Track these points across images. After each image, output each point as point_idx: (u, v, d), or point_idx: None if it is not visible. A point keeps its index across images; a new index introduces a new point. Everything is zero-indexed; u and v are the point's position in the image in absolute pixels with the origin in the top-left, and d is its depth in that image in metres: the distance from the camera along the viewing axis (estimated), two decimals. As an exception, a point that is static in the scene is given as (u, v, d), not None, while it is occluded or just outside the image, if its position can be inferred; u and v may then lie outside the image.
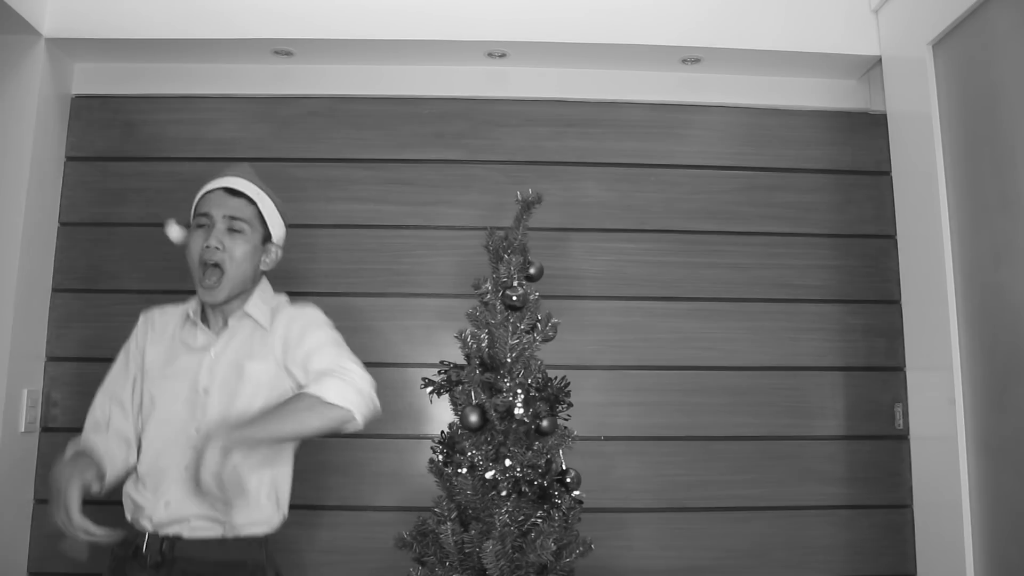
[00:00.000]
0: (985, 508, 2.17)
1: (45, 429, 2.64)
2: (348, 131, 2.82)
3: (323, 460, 2.64)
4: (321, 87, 2.83)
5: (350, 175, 2.79)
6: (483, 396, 1.95)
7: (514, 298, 1.99)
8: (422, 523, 2.01)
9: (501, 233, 2.12)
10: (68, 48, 2.70)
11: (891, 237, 2.72)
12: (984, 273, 2.20)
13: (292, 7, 2.62)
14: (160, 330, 1.96)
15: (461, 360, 2.09)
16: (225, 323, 1.91)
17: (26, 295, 2.57)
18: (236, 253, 1.85)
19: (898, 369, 2.67)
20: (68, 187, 2.75)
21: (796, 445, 2.69)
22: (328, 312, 2.71)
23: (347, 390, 1.77)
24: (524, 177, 2.75)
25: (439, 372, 2.11)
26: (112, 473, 1.84)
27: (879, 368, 2.72)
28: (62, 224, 2.74)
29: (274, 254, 1.97)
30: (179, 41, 2.64)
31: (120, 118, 2.80)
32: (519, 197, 2.13)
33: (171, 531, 1.80)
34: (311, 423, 1.72)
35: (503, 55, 2.74)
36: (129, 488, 1.89)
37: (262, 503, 1.85)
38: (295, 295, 2.72)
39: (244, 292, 1.91)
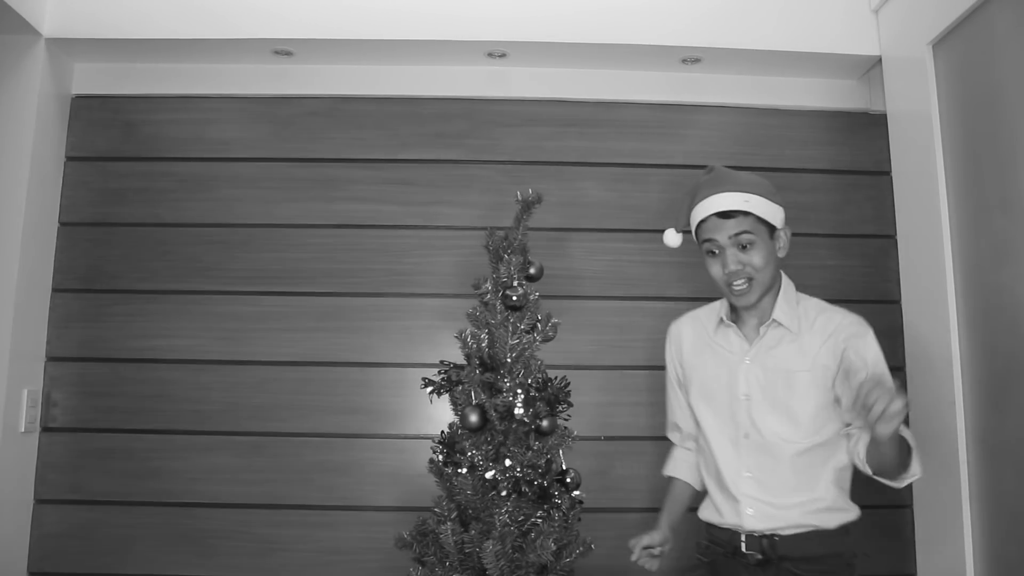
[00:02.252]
0: (985, 508, 2.17)
1: (45, 429, 2.64)
2: (348, 131, 2.82)
3: (323, 460, 2.65)
4: (321, 87, 2.83)
5: (350, 175, 2.80)
6: (483, 396, 1.95)
7: (514, 298, 1.99)
8: (422, 523, 2.01)
9: (501, 233, 2.12)
10: (68, 48, 2.70)
11: (891, 237, 2.72)
12: (984, 273, 2.19)
13: (292, 7, 2.62)
14: (691, 339, 2.14)
15: (461, 360, 2.09)
16: (757, 329, 2.02)
17: (26, 295, 2.57)
18: (756, 262, 1.93)
19: (898, 369, 2.66)
20: (68, 187, 2.75)
21: (796, 445, 2.69)
22: (328, 312, 2.73)
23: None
24: (524, 177, 2.75)
25: (439, 372, 2.10)
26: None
27: (879, 368, 2.72)
28: (62, 224, 2.74)
29: (784, 237, 2.02)
30: (179, 41, 2.64)
31: (120, 118, 2.80)
32: (519, 197, 2.13)
33: (766, 530, 1.92)
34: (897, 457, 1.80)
35: (503, 55, 2.75)
36: (710, 490, 2.07)
37: (844, 492, 1.98)
38: (295, 295, 2.74)
39: (771, 289, 2.00)
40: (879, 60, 2.68)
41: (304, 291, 2.73)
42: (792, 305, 2.01)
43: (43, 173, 2.65)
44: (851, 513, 1.98)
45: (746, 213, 1.92)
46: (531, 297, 2.02)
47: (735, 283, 1.92)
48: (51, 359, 2.68)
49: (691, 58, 2.73)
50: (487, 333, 2.02)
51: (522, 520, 1.86)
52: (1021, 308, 2.04)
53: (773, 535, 1.90)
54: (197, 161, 2.78)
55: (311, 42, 2.65)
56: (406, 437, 2.68)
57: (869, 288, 2.76)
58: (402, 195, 2.78)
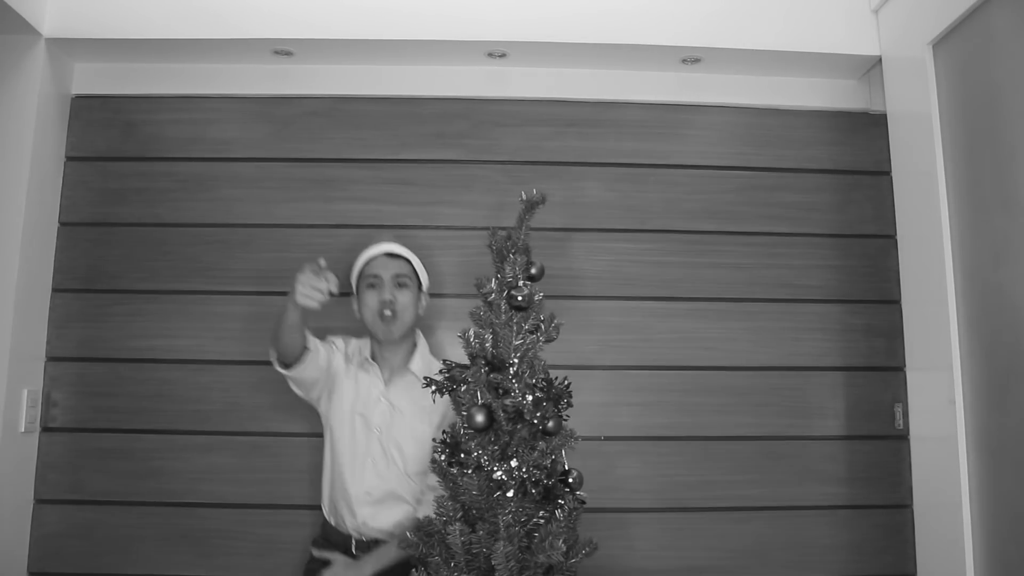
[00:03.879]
0: (985, 508, 2.17)
1: (45, 429, 2.64)
2: (348, 131, 2.82)
3: (323, 460, 2.64)
4: (321, 87, 2.82)
5: (350, 175, 2.79)
6: (488, 396, 1.94)
7: (520, 298, 1.98)
8: (426, 523, 2.01)
9: (504, 233, 2.12)
10: (68, 48, 2.69)
11: (891, 237, 2.73)
12: (984, 273, 2.20)
13: (292, 7, 2.62)
14: (347, 357, 2.40)
15: (464, 360, 2.09)
16: (392, 371, 2.36)
17: (26, 295, 2.57)
18: (403, 301, 2.31)
19: (898, 369, 2.67)
20: (68, 187, 2.75)
21: (796, 445, 2.69)
22: (328, 312, 2.71)
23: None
24: (524, 177, 2.75)
25: (441, 372, 2.10)
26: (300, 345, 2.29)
27: (879, 368, 2.72)
28: (62, 224, 2.74)
29: (424, 300, 2.43)
30: (179, 41, 2.64)
31: (120, 118, 2.80)
32: (523, 197, 2.12)
33: (373, 536, 2.28)
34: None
35: (503, 55, 2.75)
36: (330, 497, 2.37)
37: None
38: (295, 295, 2.73)
39: (410, 331, 2.37)
40: (879, 60, 2.69)
41: (304, 291, 2.72)
42: (424, 357, 2.38)
43: (43, 173, 2.64)
44: None
45: (407, 260, 2.37)
46: (536, 297, 2.02)
47: (386, 311, 2.27)
48: (51, 359, 2.68)
49: (691, 58, 2.74)
50: (491, 333, 2.02)
51: (525, 520, 1.86)
52: (1021, 308, 2.05)
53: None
54: (197, 161, 2.78)
55: (311, 42, 2.65)
56: (406, 437, 2.67)
57: (869, 288, 2.77)
58: (402, 195, 2.78)
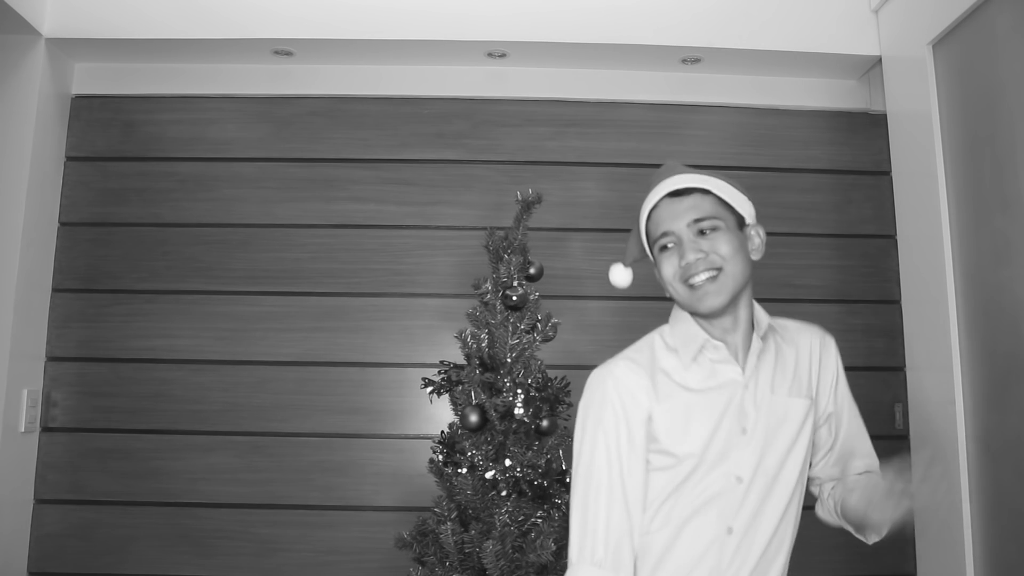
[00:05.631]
0: (985, 508, 2.17)
1: (45, 429, 2.64)
2: (348, 131, 2.82)
3: (323, 460, 2.65)
4: (321, 87, 2.83)
5: (350, 175, 2.80)
6: (483, 396, 1.95)
7: (514, 298, 1.99)
8: (422, 523, 2.01)
9: (501, 233, 2.12)
10: (68, 48, 2.70)
11: (891, 237, 2.72)
12: (984, 273, 2.19)
13: (292, 7, 2.62)
14: (648, 386, 1.51)
15: (461, 360, 2.09)
16: (742, 345, 1.54)
17: (26, 295, 2.57)
18: (723, 250, 1.48)
19: (898, 369, 2.67)
20: (68, 187, 2.75)
21: (796, 445, 2.69)
22: (328, 312, 2.73)
23: None
24: (524, 177, 2.75)
25: (439, 372, 2.10)
26: None
27: (879, 368, 2.72)
28: (62, 224, 2.74)
29: (757, 236, 1.57)
30: (179, 41, 2.64)
31: (120, 118, 2.80)
32: (519, 197, 2.13)
33: None
34: None
35: (503, 55, 2.75)
36: None
37: None
38: (294, 295, 2.74)
39: (740, 294, 1.54)
40: (879, 60, 2.68)
41: (304, 291, 2.73)
42: (770, 319, 1.60)
43: (43, 173, 2.64)
44: None
45: (705, 192, 1.53)
46: (531, 297, 2.02)
47: (695, 277, 1.46)
48: (51, 359, 2.68)
49: (691, 58, 2.73)
50: (487, 333, 2.02)
51: (522, 520, 1.86)
52: (1021, 308, 2.04)
53: None
54: (197, 161, 2.78)
55: (311, 42, 2.65)
56: (406, 437, 2.67)
57: (869, 288, 2.76)
58: (402, 195, 2.78)
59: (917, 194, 2.51)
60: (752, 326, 1.56)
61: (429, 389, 2.07)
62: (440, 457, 2.02)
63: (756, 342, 1.54)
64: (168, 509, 2.62)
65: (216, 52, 2.73)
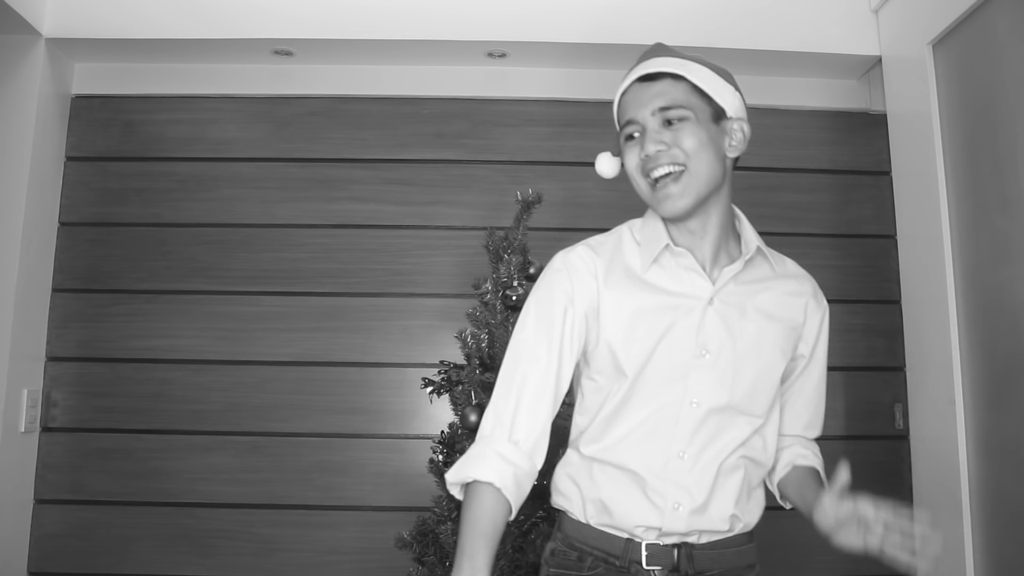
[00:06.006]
0: (985, 508, 2.17)
1: (45, 429, 2.64)
2: (348, 131, 2.82)
3: (323, 460, 2.65)
4: (321, 87, 2.83)
5: (350, 175, 2.80)
6: (483, 396, 1.95)
7: (514, 298, 1.99)
8: (422, 523, 2.01)
9: (501, 233, 2.12)
10: (68, 48, 2.70)
11: (891, 237, 2.72)
12: (984, 273, 2.19)
13: (292, 7, 2.62)
14: (603, 273, 1.41)
15: (461, 360, 2.09)
16: (711, 257, 1.41)
17: (26, 295, 2.57)
18: (686, 144, 1.34)
19: (898, 369, 2.67)
20: (68, 187, 2.75)
21: (796, 445, 2.69)
22: (328, 312, 2.73)
23: None
24: (524, 177, 2.75)
25: (439, 372, 2.11)
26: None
27: (879, 368, 2.72)
28: (62, 224, 2.74)
29: (739, 131, 1.43)
30: (179, 41, 2.64)
31: (120, 118, 2.80)
32: (519, 197, 2.13)
33: (683, 534, 1.35)
34: None
35: (503, 55, 2.75)
36: (606, 488, 1.37)
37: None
38: (294, 295, 2.74)
39: (713, 193, 1.39)
40: (879, 60, 2.68)
41: (304, 291, 2.73)
42: (759, 239, 1.47)
43: (43, 173, 2.64)
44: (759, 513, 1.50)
45: (677, 77, 1.37)
46: (531, 297, 2.02)
47: (656, 170, 1.34)
48: (51, 359, 2.68)
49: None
50: (487, 333, 2.02)
51: (522, 520, 1.86)
52: (1021, 308, 2.04)
53: (687, 543, 1.35)
54: (197, 161, 2.78)
55: (311, 42, 2.65)
56: (406, 437, 2.67)
57: (869, 288, 2.76)
58: (402, 195, 2.78)
59: (917, 194, 2.51)
60: (729, 236, 1.45)
61: (429, 389, 2.08)
62: (440, 457, 2.03)
63: (737, 263, 1.40)
64: (168, 509, 2.62)
65: (216, 52, 2.73)
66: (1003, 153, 2.12)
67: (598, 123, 2.82)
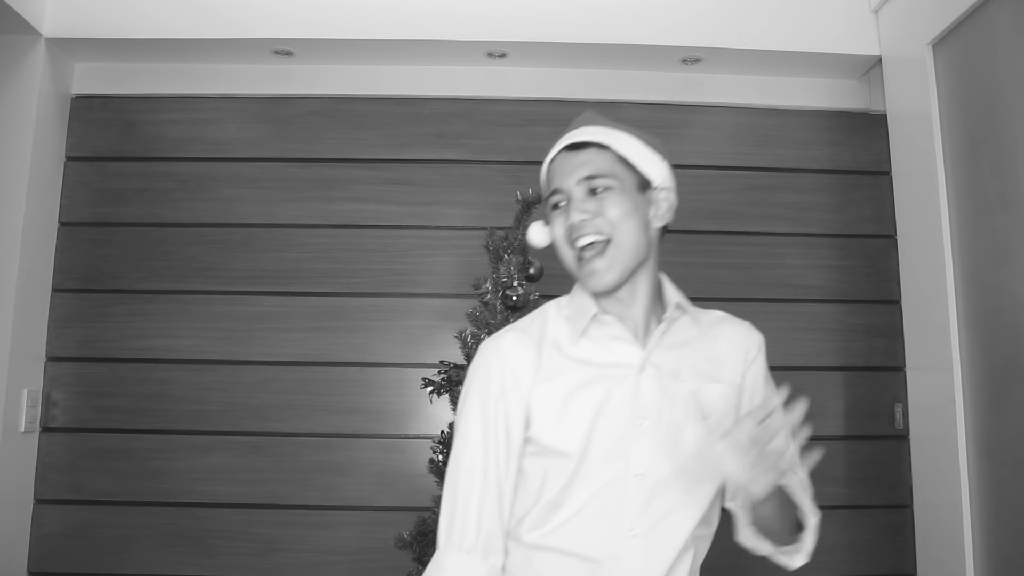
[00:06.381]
0: (985, 508, 2.17)
1: (45, 429, 2.64)
2: (348, 131, 2.82)
3: (323, 460, 2.65)
4: (321, 87, 2.82)
5: (350, 175, 2.79)
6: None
7: (514, 298, 1.99)
8: (422, 523, 2.01)
9: (501, 233, 2.12)
10: (68, 48, 2.70)
11: (891, 237, 2.72)
12: (984, 273, 2.19)
13: (292, 7, 2.62)
14: (532, 363, 1.38)
15: (461, 360, 2.09)
16: (643, 323, 1.38)
17: (26, 295, 2.57)
18: (611, 213, 1.33)
19: (898, 369, 2.67)
20: (68, 187, 2.75)
21: (796, 445, 2.69)
22: (328, 312, 2.73)
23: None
24: (524, 177, 2.74)
25: (439, 372, 2.11)
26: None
27: (879, 368, 2.72)
28: (62, 224, 2.74)
29: (665, 202, 1.40)
30: (179, 41, 2.64)
31: (120, 118, 2.80)
32: (519, 197, 2.13)
33: None
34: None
35: (503, 55, 2.74)
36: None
37: None
38: (294, 295, 2.74)
39: (640, 266, 1.37)
40: (879, 60, 2.68)
41: (304, 291, 2.73)
42: (684, 299, 1.44)
43: (43, 173, 2.64)
44: None
45: (603, 147, 1.37)
46: (531, 297, 2.02)
47: (581, 239, 1.33)
48: (51, 359, 2.68)
49: (691, 58, 2.73)
50: (487, 333, 2.02)
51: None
52: (1021, 308, 2.04)
53: None
54: (197, 161, 2.78)
55: (311, 42, 2.65)
56: (406, 437, 2.67)
57: (869, 288, 2.76)
58: (402, 195, 2.78)
59: (917, 194, 2.51)
60: (657, 303, 1.41)
61: (429, 389, 2.08)
62: (440, 457, 2.03)
63: (663, 324, 1.37)
64: (168, 509, 2.62)
65: (216, 52, 2.73)
66: (1003, 153, 2.12)
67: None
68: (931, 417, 2.44)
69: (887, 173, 2.75)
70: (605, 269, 1.33)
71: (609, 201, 1.33)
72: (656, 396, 1.33)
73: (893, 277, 2.70)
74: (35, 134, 2.58)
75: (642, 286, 1.38)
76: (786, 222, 2.80)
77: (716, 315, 1.49)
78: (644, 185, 1.38)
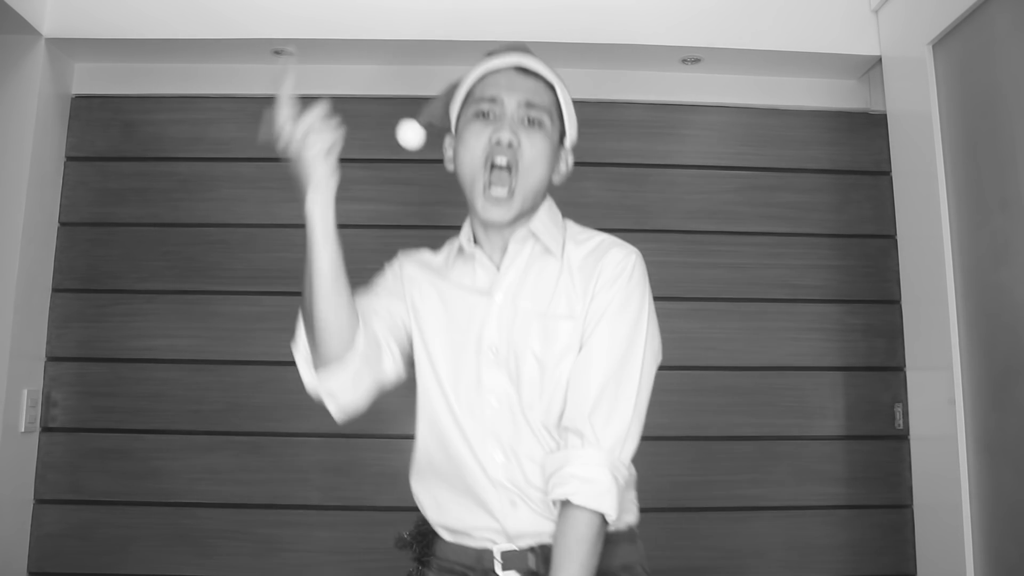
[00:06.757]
0: (985, 508, 2.17)
1: (45, 429, 2.64)
2: (348, 131, 2.80)
3: (323, 460, 2.64)
4: (321, 87, 2.81)
5: (350, 175, 2.77)
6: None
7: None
8: (422, 523, 2.01)
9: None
10: (68, 48, 2.70)
11: (891, 237, 2.72)
12: (984, 273, 2.20)
13: (292, 7, 2.62)
14: (419, 279, 1.53)
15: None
16: (504, 250, 1.41)
17: (26, 295, 2.57)
18: (532, 152, 1.35)
19: (898, 369, 2.67)
20: (68, 187, 2.75)
21: (796, 445, 2.69)
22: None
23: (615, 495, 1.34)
24: (524, 177, 2.75)
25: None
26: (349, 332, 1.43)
27: (879, 368, 2.72)
28: (62, 224, 2.74)
29: (566, 163, 1.48)
30: (179, 41, 2.64)
31: (120, 118, 2.80)
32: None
33: (532, 541, 1.34)
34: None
35: (503, 55, 2.74)
36: (439, 498, 1.48)
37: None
38: (295, 295, 2.72)
39: (532, 210, 1.41)
40: (879, 60, 2.68)
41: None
42: (557, 224, 1.46)
43: (43, 173, 2.64)
44: (632, 513, 1.51)
45: (550, 87, 1.43)
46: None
47: (499, 157, 1.35)
48: (51, 359, 2.68)
49: (691, 58, 2.73)
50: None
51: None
52: (1021, 308, 2.05)
53: (543, 544, 1.33)
54: (197, 161, 2.78)
55: (311, 42, 2.65)
56: (406, 437, 2.66)
57: (869, 288, 2.76)
58: (402, 195, 2.78)
59: (917, 194, 2.51)
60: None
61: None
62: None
63: (512, 245, 1.41)
64: (168, 509, 2.62)
65: (216, 52, 2.73)
66: (1003, 153, 2.12)
67: (597, 123, 2.83)
68: (931, 417, 2.44)
69: (887, 173, 2.75)
70: (506, 198, 1.37)
71: (536, 138, 1.37)
72: (503, 324, 1.38)
73: (893, 277, 2.70)
74: (35, 134, 2.58)
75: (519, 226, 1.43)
76: (786, 222, 2.79)
77: (588, 235, 1.51)
78: (561, 138, 1.46)
